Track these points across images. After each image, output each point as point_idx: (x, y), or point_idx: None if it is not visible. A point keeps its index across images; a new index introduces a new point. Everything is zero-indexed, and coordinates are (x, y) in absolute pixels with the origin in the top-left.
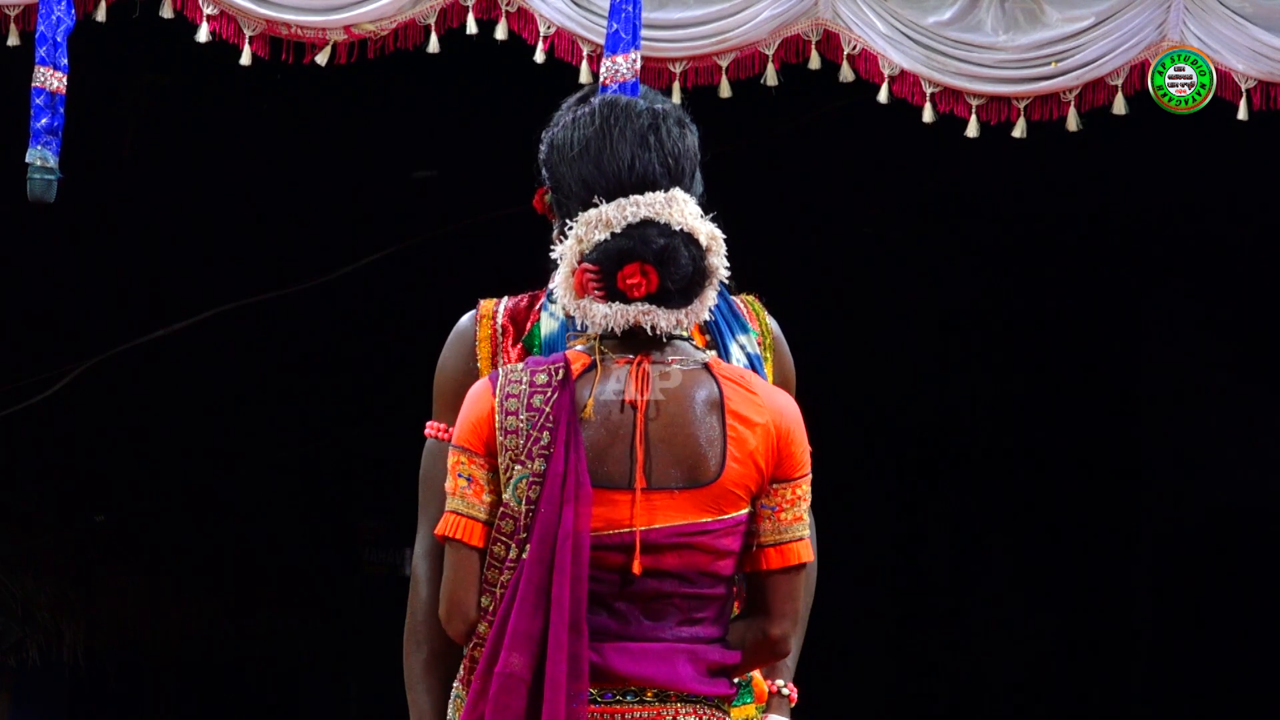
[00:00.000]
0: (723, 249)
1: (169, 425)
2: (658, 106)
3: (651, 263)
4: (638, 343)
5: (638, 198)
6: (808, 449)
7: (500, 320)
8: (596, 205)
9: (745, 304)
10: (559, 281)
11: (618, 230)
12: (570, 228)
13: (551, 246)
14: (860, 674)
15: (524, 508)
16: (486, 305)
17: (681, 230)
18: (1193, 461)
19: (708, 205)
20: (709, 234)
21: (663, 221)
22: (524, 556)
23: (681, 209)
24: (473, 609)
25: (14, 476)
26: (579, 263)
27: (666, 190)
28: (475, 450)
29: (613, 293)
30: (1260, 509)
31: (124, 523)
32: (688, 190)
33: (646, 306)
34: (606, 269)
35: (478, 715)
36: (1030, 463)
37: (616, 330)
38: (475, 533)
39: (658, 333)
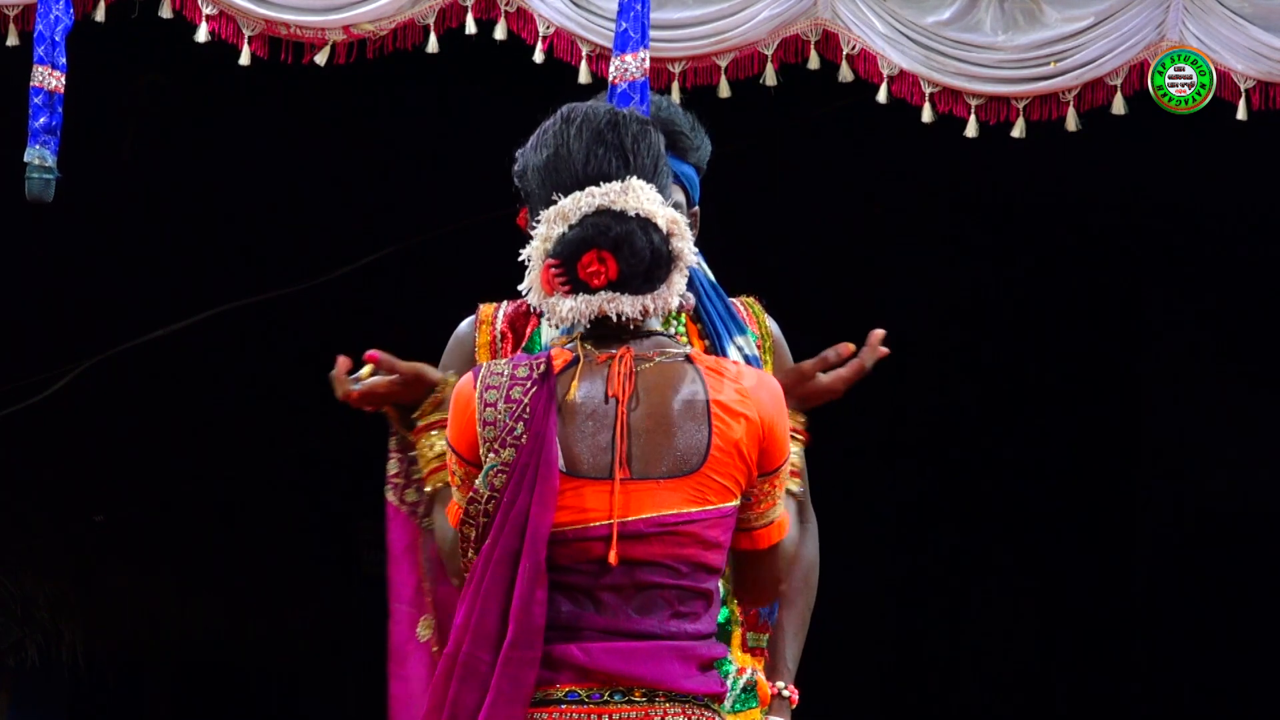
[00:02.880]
0: (687, 233)
1: (169, 425)
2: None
3: (608, 249)
4: (619, 339)
5: (592, 189)
6: (788, 435)
7: (499, 326)
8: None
9: (745, 306)
10: (528, 282)
11: (574, 221)
12: (535, 228)
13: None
14: (860, 674)
15: (486, 493)
16: (486, 310)
17: (637, 215)
18: (1192, 462)
19: (705, 206)
20: (669, 218)
21: (618, 209)
22: (485, 544)
23: (637, 195)
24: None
25: (14, 476)
26: (544, 260)
27: (624, 181)
28: (462, 453)
29: (576, 284)
30: (1260, 511)
31: (124, 523)
32: (649, 181)
33: (610, 294)
34: (567, 260)
35: (440, 697)
36: (1029, 462)
37: (585, 322)
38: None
39: (624, 319)
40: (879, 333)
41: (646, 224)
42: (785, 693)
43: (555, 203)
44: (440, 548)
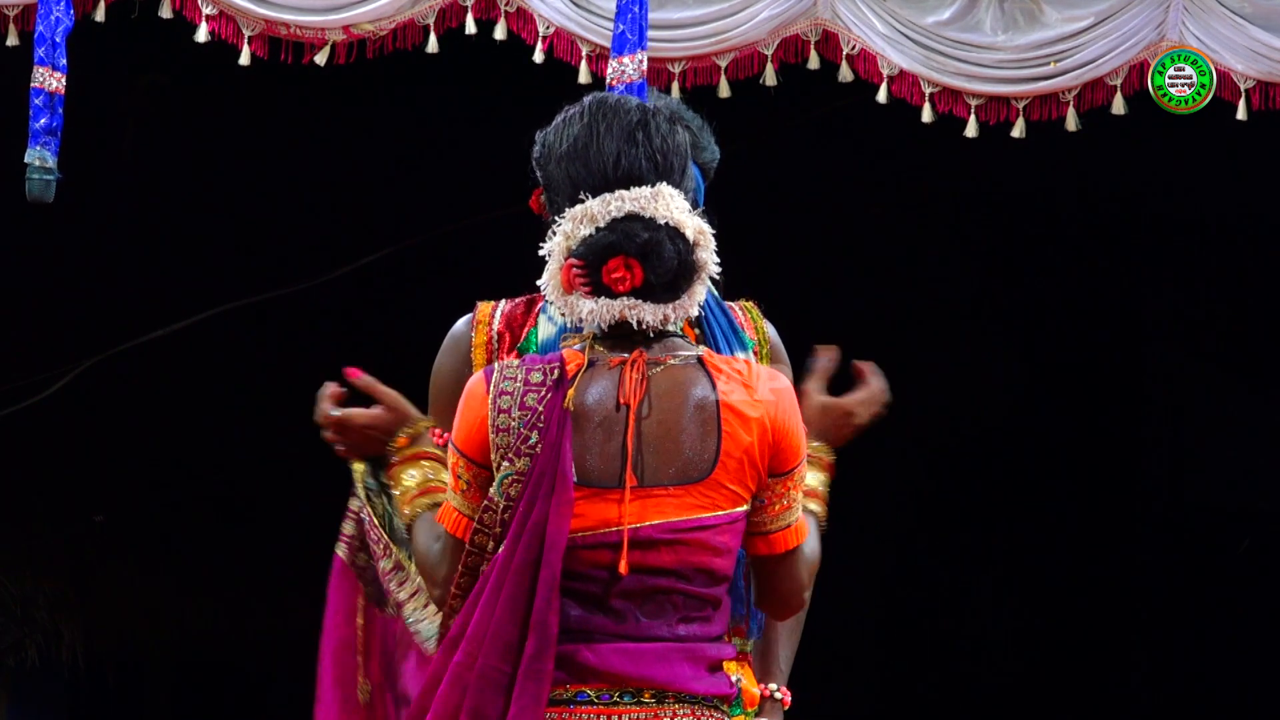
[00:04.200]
0: (711, 243)
1: (169, 425)
2: (649, 104)
3: (635, 256)
4: (631, 341)
5: (623, 192)
6: (803, 437)
7: (496, 326)
8: (584, 201)
9: (743, 310)
10: (547, 277)
11: (602, 225)
12: (559, 223)
13: (540, 245)
14: (854, 675)
15: (503, 503)
16: (483, 309)
17: (667, 224)
18: (1192, 462)
19: (707, 204)
20: (696, 228)
21: (648, 216)
22: (500, 554)
23: (668, 203)
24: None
25: (14, 476)
26: (566, 258)
27: (653, 185)
28: (471, 455)
29: (598, 287)
30: (1260, 510)
31: (124, 523)
32: (677, 186)
33: (632, 301)
34: (591, 264)
35: (453, 708)
36: (1028, 461)
37: (603, 325)
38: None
39: (644, 327)
40: (863, 366)
41: (675, 233)
42: (778, 695)
43: (581, 200)
44: (423, 559)
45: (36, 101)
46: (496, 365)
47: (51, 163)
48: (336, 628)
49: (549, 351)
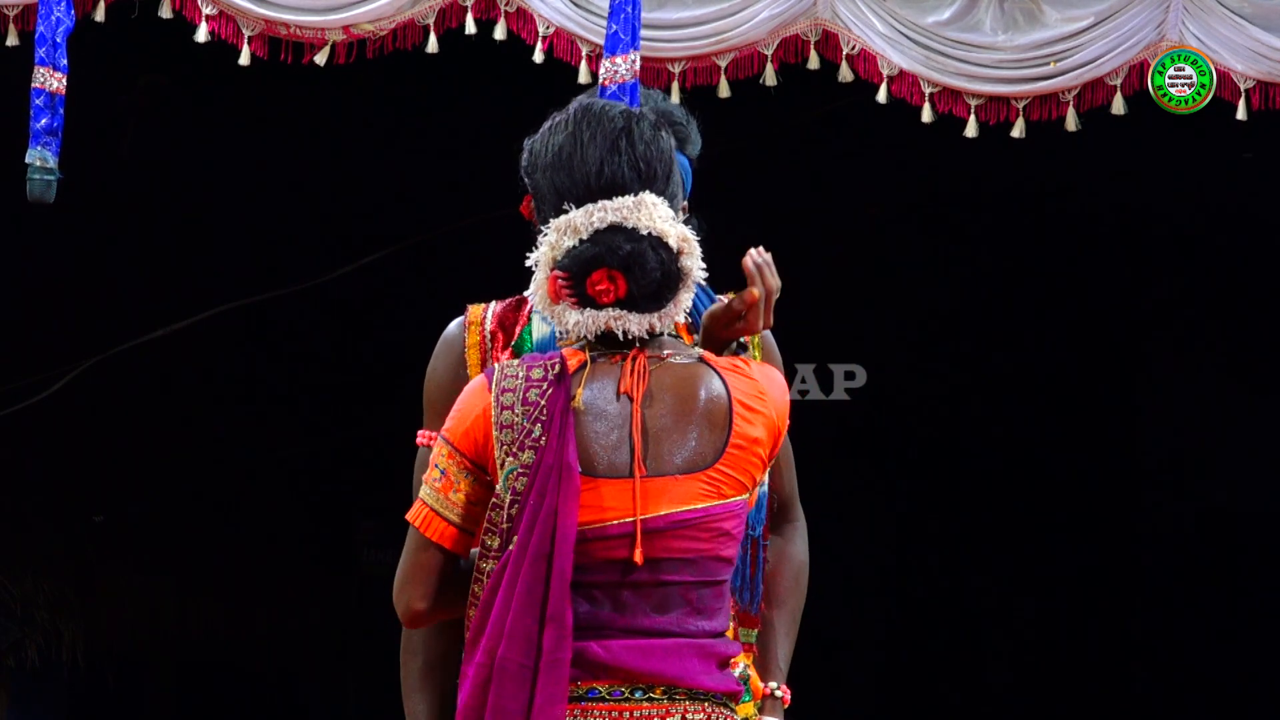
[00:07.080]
0: (696, 250)
1: (169, 425)
2: (635, 108)
3: (618, 269)
4: (628, 341)
5: (605, 203)
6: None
7: (489, 326)
8: (568, 212)
9: None
10: (534, 287)
11: (585, 236)
12: (544, 234)
13: (527, 253)
14: (856, 674)
15: (509, 498)
16: (475, 311)
17: (649, 234)
18: (1192, 464)
19: (705, 205)
20: (679, 236)
21: (630, 226)
22: (510, 548)
23: (650, 213)
24: (416, 600)
25: (14, 476)
26: (551, 269)
27: (636, 194)
28: (459, 446)
29: (583, 299)
30: (1260, 512)
31: (124, 523)
32: (661, 193)
33: (617, 312)
34: (576, 275)
35: (478, 704)
36: (1028, 464)
37: (589, 336)
38: (433, 526)
39: (629, 338)
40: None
41: (658, 243)
42: (778, 693)
43: (565, 211)
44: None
45: (37, 102)
46: (496, 366)
47: (52, 163)
48: None
49: (544, 349)
